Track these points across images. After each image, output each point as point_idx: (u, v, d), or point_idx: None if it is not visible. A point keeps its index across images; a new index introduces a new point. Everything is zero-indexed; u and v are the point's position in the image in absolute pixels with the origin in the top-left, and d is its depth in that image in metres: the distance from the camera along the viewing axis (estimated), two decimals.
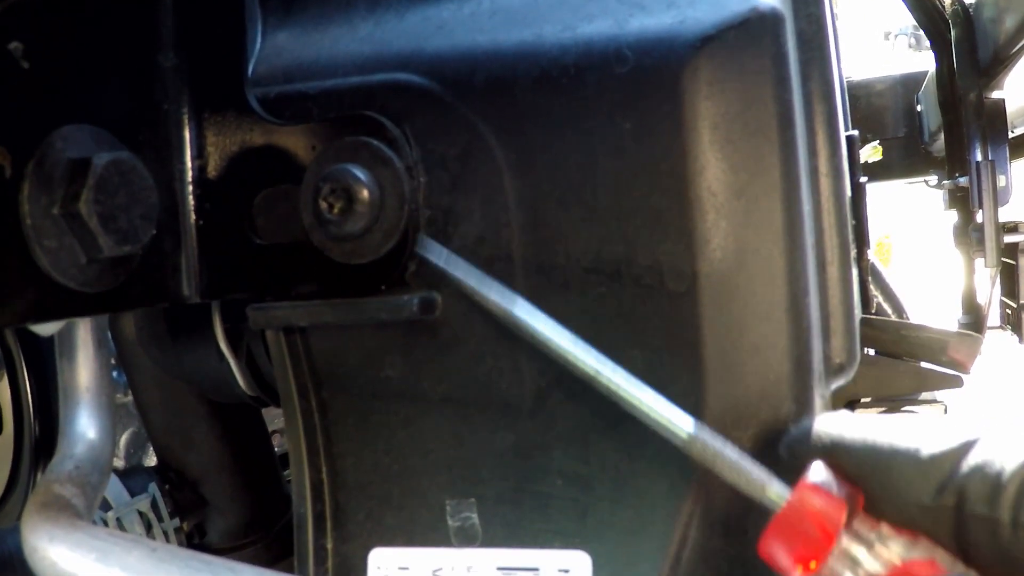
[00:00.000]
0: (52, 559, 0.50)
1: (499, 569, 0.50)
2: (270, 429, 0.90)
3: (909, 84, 2.06)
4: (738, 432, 0.48)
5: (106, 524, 0.74)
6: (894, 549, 0.39)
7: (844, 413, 0.44)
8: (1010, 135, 1.60)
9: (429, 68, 0.51)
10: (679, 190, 0.47)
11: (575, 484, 0.50)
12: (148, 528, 0.76)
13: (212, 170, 0.52)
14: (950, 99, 1.63)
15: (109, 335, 0.74)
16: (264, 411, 0.86)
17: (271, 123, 0.52)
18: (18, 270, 0.42)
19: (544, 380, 0.50)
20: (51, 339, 0.62)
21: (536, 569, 0.50)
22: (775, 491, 0.42)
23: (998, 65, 1.50)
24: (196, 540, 0.81)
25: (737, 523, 0.49)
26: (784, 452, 0.44)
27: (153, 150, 0.50)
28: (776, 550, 0.40)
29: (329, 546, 0.55)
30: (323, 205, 0.48)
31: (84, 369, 0.61)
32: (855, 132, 0.63)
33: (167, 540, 0.77)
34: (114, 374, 0.84)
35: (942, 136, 1.72)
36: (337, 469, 0.55)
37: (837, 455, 0.42)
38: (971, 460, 0.37)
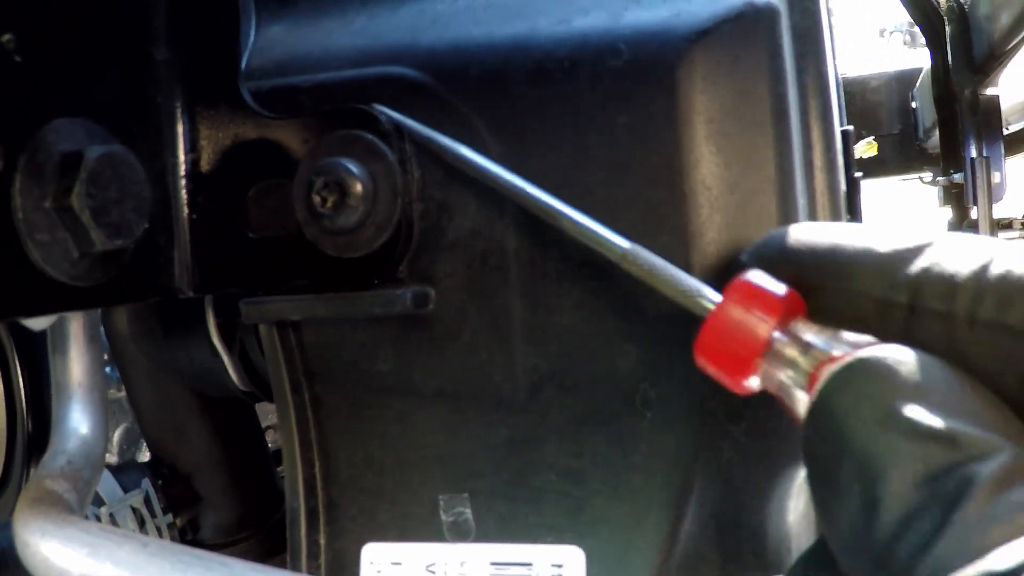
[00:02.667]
0: (44, 554, 0.50)
1: (492, 564, 0.50)
2: (264, 425, 0.90)
3: (904, 81, 2.07)
4: (733, 427, 0.48)
5: (99, 520, 0.74)
6: (833, 347, 0.36)
7: (809, 223, 0.43)
8: (1005, 132, 1.61)
9: (423, 61, 0.51)
10: (673, 184, 0.47)
11: (569, 478, 0.50)
12: (141, 524, 0.76)
13: (205, 164, 0.52)
14: (945, 96, 1.64)
15: (102, 330, 0.74)
16: (258, 406, 0.86)
17: (264, 116, 0.51)
18: (9, 264, 0.42)
19: (537, 374, 0.50)
20: (43, 334, 0.62)
21: (529, 564, 0.50)
22: (707, 299, 0.41)
23: (993, 62, 1.50)
24: (189, 536, 0.81)
25: (730, 517, 0.49)
26: (745, 258, 0.43)
27: (146, 143, 0.50)
28: (708, 355, 0.39)
29: (322, 541, 0.55)
30: (316, 199, 0.48)
31: (77, 364, 0.61)
32: (850, 127, 0.63)
33: (160, 536, 0.77)
34: (107, 369, 0.83)
35: (937, 133, 1.73)
36: (330, 464, 0.55)
37: (792, 253, 0.40)
38: (927, 259, 0.35)
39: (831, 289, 0.38)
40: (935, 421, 0.30)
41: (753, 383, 0.39)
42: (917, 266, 0.36)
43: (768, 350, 0.38)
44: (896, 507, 0.30)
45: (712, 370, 0.40)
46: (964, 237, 0.36)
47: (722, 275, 0.46)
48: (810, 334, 0.37)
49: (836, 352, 0.35)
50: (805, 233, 0.41)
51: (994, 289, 0.33)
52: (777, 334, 0.38)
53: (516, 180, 0.47)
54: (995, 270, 0.33)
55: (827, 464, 0.33)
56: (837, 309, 0.38)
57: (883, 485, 0.30)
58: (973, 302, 0.33)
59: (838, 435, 0.32)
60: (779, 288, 0.39)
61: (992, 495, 0.28)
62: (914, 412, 0.31)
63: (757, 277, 0.39)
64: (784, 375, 0.37)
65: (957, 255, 0.35)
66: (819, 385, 0.34)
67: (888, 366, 0.33)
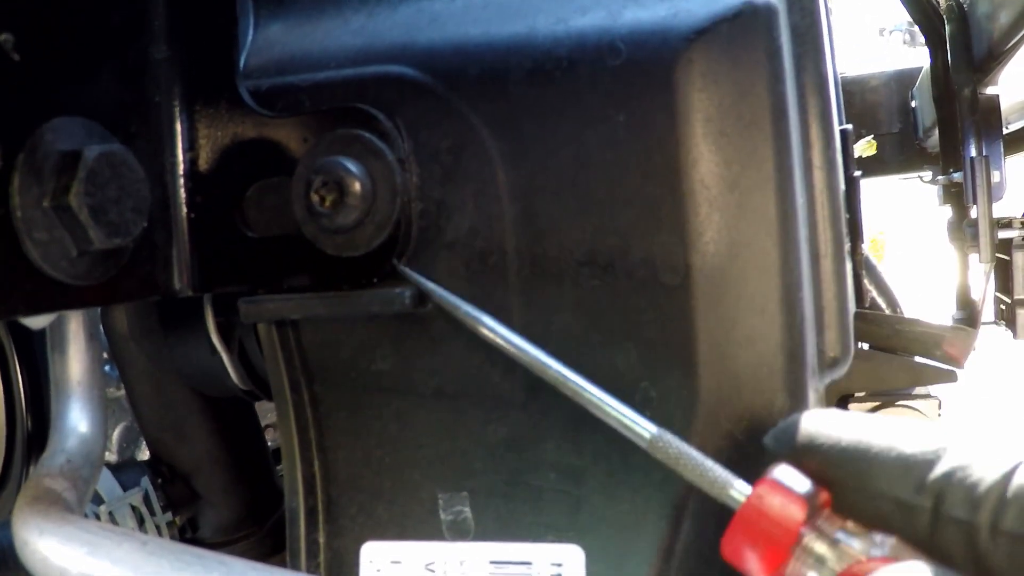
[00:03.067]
0: (43, 553, 0.50)
1: (492, 563, 0.50)
2: (263, 423, 0.90)
3: (903, 80, 2.07)
4: (731, 425, 0.48)
5: (98, 518, 0.74)
6: (860, 546, 0.38)
7: (832, 410, 0.44)
8: (1004, 131, 1.61)
9: (422, 60, 0.51)
10: (672, 183, 0.47)
11: (568, 477, 0.50)
12: (140, 522, 0.76)
13: (204, 163, 0.52)
14: (944, 95, 1.64)
15: (101, 328, 0.74)
16: (257, 405, 0.86)
17: (263, 115, 0.51)
18: (8, 263, 0.42)
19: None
20: (43, 332, 0.62)
21: (529, 563, 0.50)
22: (737, 490, 0.42)
23: (992, 61, 1.50)
24: (188, 534, 0.81)
25: (730, 516, 0.49)
26: (770, 443, 0.44)
27: (144, 142, 0.50)
28: (736, 550, 0.40)
29: (321, 540, 0.55)
30: (315, 198, 0.48)
31: (76, 363, 0.61)
32: (849, 126, 0.63)
33: (159, 534, 0.77)
34: (106, 368, 0.83)
35: (936, 132, 1.73)
36: (329, 463, 0.55)
37: (818, 447, 0.41)
38: (952, 462, 0.37)
39: (856, 488, 0.40)
40: None
41: None
42: (941, 470, 0.37)
43: (797, 545, 0.39)
44: None
45: (742, 561, 0.40)
46: (988, 439, 0.37)
47: (723, 278, 0.46)
48: (838, 532, 0.39)
49: (863, 555, 0.37)
50: (830, 424, 0.42)
51: (1016, 501, 0.34)
52: (805, 530, 0.39)
53: (542, 356, 0.47)
54: (1017, 481, 0.34)
55: None
56: (860, 506, 0.39)
57: None
58: (995, 512, 0.34)
59: None
60: (805, 484, 0.40)
61: None
62: None
63: (784, 474, 0.40)
64: (812, 573, 0.38)
65: (981, 461, 0.36)
66: None
67: None
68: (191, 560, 0.48)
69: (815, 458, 0.41)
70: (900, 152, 2.07)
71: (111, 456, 1.07)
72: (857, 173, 0.65)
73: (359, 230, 0.49)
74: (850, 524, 0.39)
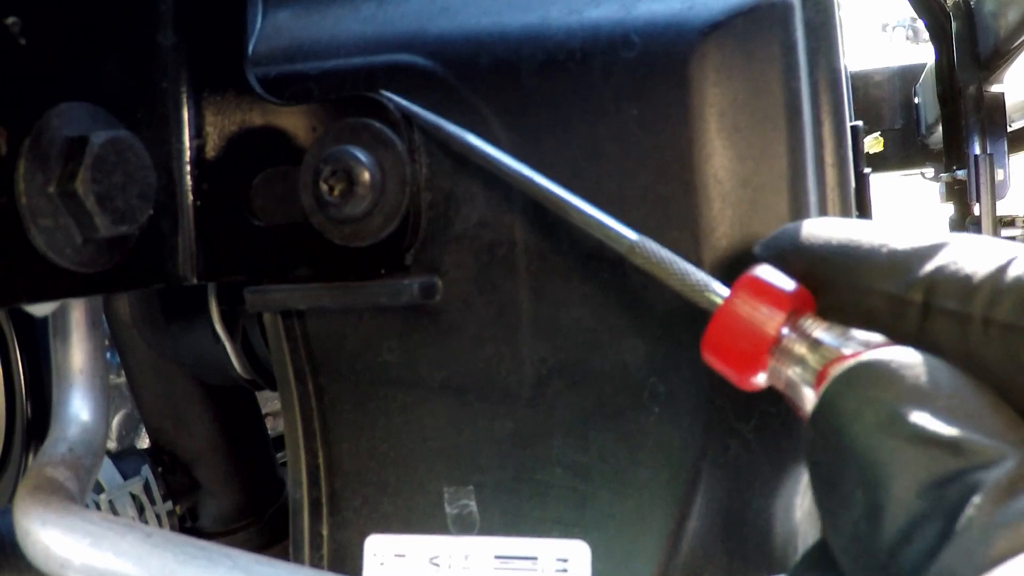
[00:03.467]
0: (45, 543, 0.50)
1: (497, 558, 0.50)
2: (264, 412, 0.90)
3: (907, 76, 2.07)
4: (741, 424, 0.48)
5: (98, 507, 0.74)
6: (841, 345, 0.35)
7: (825, 217, 0.42)
8: (1009, 129, 1.60)
9: (433, 50, 0.50)
10: (685, 177, 0.46)
11: (574, 473, 0.49)
12: (140, 511, 0.76)
13: (211, 150, 0.52)
14: (949, 92, 1.63)
15: (103, 316, 0.73)
16: (257, 394, 0.85)
17: (271, 103, 0.51)
18: (12, 249, 0.42)
19: (544, 368, 0.49)
20: (45, 320, 0.61)
21: (535, 558, 0.49)
22: (716, 293, 0.41)
23: (998, 59, 1.50)
24: (188, 524, 0.80)
25: (736, 513, 0.49)
26: (758, 250, 0.42)
27: (151, 129, 0.49)
28: (714, 352, 0.39)
29: (325, 532, 0.54)
30: (323, 187, 0.48)
31: (78, 350, 0.60)
32: (860, 123, 0.63)
33: (159, 523, 0.77)
34: (108, 355, 0.83)
35: (939, 129, 1.73)
36: (334, 454, 0.54)
37: (807, 247, 0.39)
38: (944, 257, 0.35)
39: (843, 285, 0.38)
40: (940, 427, 0.30)
41: (760, 380, 0.39)
42: (933, 264, 0.35)
43: (776, 346, 0.37)
44: (900, 515, 0.29)
45: (719, 366, 0.39)
46: (982, 238, 0.35)
47: (734, 269, 0.45)
48: (819, 331, 0.36)
49: (846, 350, 0.35)
50: (819, 228, 0.40)
51: (1012, 291, 0.32)
52: (786, 330, 0.37)
53: (524, 169, 0.46)
54: (1013, 272, 0.32)
55: (830, 468, 0.32)
56: (849, 305, 0.37)
57: (886, 492, 0.29)
58: (989, 303, 0.32)
59: (841, 439, 0.32)
60: (788, 284, 0.38)
61: (998, 503, 0.27)
62: (919, 417, 0.30)
63: (766, 272, 0.39)
64: (792, 372, 0.36)
65: (975, 255, 0.34)
66: (824, 386, 0.33)
67: (894, 369, 0.32)
68: (195, 553, 0.47)
69: (803, 258, 0.39)
70: (902, 148, 2.07)
71: (112, 444, 1.07)
72: (867, 170, 0.65)
73: (367, 220, 0.49)
74: (834, 325, 0.37)
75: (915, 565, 0.28)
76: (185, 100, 0.51)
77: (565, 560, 0.49)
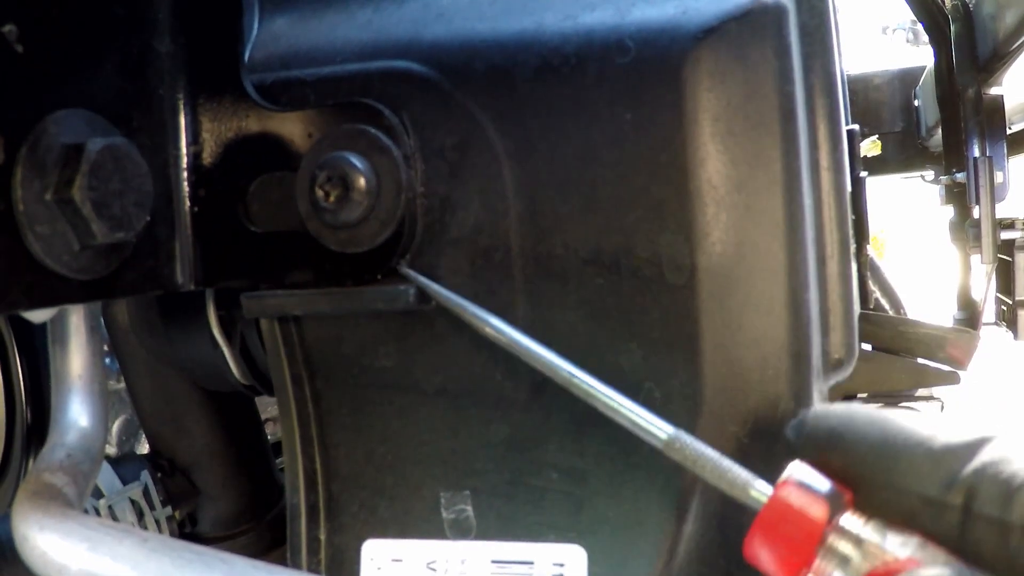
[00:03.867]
0: (42, 548, 0.50)
1: (493, 562, 0.50)
2: (263, 417, 0.90)
3: (907, 79, 2.07)
4: (735, 427, 0.48)
5: (98, 512, 0.74)
6: (885, 544, 0.37)
7: (854, 404, 0.43)
8: (1008, 131, 1.60)
9: (428, 56, 0.50)
10: (679, 182, 0.47)
11: (570, 477, 0.50)
12: (140, 516, 0.76)
13: (207, 156, 0.52)
14: (948, 95, 1.63)
15: (102, 322, 0.74)
16: (257, 399, 0.85)
17: (267, 109, 0.51)
18: (10, 256, 0.42)
19: (540, 374, 0.49)
20: (43, 325, 0.61)
21: (531, 563, 0.50)
22: (758, 491, 0.41)
23: (997, 61, 1.50)
24: (188, 529, 0.80)
25: (733, 517, 0.49)
26: (792, 437, 0.43)
27: (148, 136, 0.50)
28: (759, 552, 0.40)
29: (322, 537, 0.54)
30: (319, 193, 0.48)
31: (76, 356, 0.61)
32: (856, 126, 0.63)
33: (159, 528, 0.77)
34: (106, 361, 0.83)
35: (939, 131, 1.73)
36: (331, 459, 0.54)
37: (843, 443, 0.40)
38: (983, 459, 0.35)
39: (882, 485, 0.38)
40: None
41: None
42: (972, 466, 0.35)
43: (821, 546, 0.38)
44: None
45: (766, 563, 0.40)
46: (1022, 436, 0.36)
47: (731, 276, 0.46)
48: (861, 530, 0.38)
49: (891, 556, 0.36)
50: (854, 419, 0.40)
51: None
52: (828, 530, 0.38)
53: (554, 358, 0.47)
54: None
55: None
56: (886, 504, 0.38)
57: None
58: None
59: None
60: (825, 484, 0.39)
61: None
62: None
63: (804, 474, 0.40)
64: (837, 572, 0.38)
65: (1015, 457, 0.35)
66: None
67: None
68: (192, 558, 0.47)
69: (839, 454, 0.40)
70: (902, 151, 2.07)
71: (111, 449, 1.07)
72: (863, 174, 0.65)
73: (363, 226, 0.49)
74: (874, 522, 0.38)
75: None
76: (182, 107, 0.52)
77: (561, 564, 0.49)
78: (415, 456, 0.52)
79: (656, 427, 0.44)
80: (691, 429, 0.47)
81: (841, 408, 0.42)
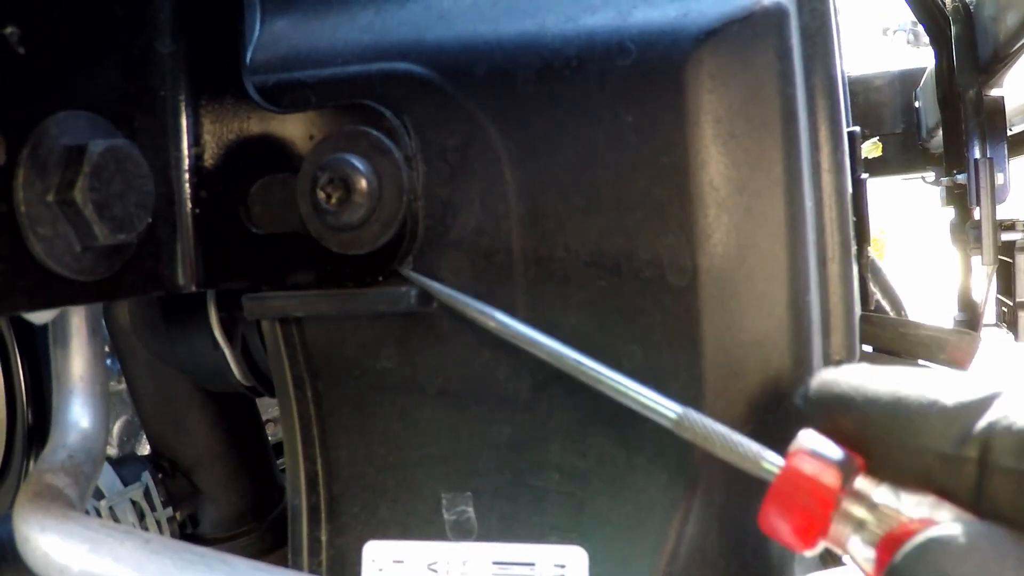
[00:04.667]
0: (44, 549, 0.50)
1: (495, 563, 0.50)
2: (264, 418, 0.90)
3: (907, 80, 2.06)
4: (737, 427, 0.47)
5: (99, 513, 0.74)
6: (899, 506, 0.37)
7: (861, 365, 0.42)
8: (1009, 133, 1.60)
9: (430, 58, 0.50)
10: (681, 184, 0.47)
11: (572, 478, 0.50)
12: (141, 517, 0.76)
13: (209, 158, 0.52)
14: (949, 96, 1.63)
15: (103, 323, 0.74)
16: (258, 400, 0.85)
17: (269, 111, 0.51)
18: (12, 258, 0.42)
19: (542, 374, 0.49)
20: (45, 326, 0.61)
21: (532, 564, 0.50)
22: (769, 462, 0.41)
23: (998, 63, 1.50)
24: (189, 530, 0.80)
25: (734, 519, 0.49)
26: (801, 403, 0.42)
27: (149, 137, 0.50)
28: (775, 523, 0.39)
29: (323, 538, 0.54)
30: (321, 195, 0.48)
31: (78, 357, 0.61)
32: (857, 128, 0.63)
33: (160, 529, 0.77)
34: (108, 362, 0.83)
35: (940, 133, 1.72)
36: (332, 460, 0.54)
37: (853, 405, 0.40)
38: (996, 412, 0.35)
39: (895, 445, 0.38)
40: None
41: (820, 544, 0.39)
42: (986, 420, 0.35)
43: (836, 511, 0.38)
44: None
45: (782, 534, 0.39)
46: None
47: (732, 278, 0.46)
48: (875, 493, 0.38)
49: (906, 518, 0.36)
50: (864, 380, 0.40)
51: None
52: (842, 495, 0.38)
53: (562, 348, 0.47)
54: None
55: None
56: (902, 465, 0.38)
57: None
58: None
59: None
60: (837, 451, 0.39)
61: None
62: None
63: (815, 442, 0.39)
64: (853, 536, 0.38)
65: None
66: (892, 562, 0.34)
67: (961, 546, 0.33)
68: (194, 559, 0.47)
69: (850, 417, 0.39)
70: (903, 152, 2.06)
71: (112, 450, 1.07)
72: (864, 176, 0.65)
73: (365, 228, 0.49)
74: (887, 485, 0.38)
75: None
76: (183, 108, 0.52)
77: (563, 566, 0.49)
78: (416, 457, 0.52)
79: (665, 407, 0.44)
80: None
81: (848, 371, 0.41)
